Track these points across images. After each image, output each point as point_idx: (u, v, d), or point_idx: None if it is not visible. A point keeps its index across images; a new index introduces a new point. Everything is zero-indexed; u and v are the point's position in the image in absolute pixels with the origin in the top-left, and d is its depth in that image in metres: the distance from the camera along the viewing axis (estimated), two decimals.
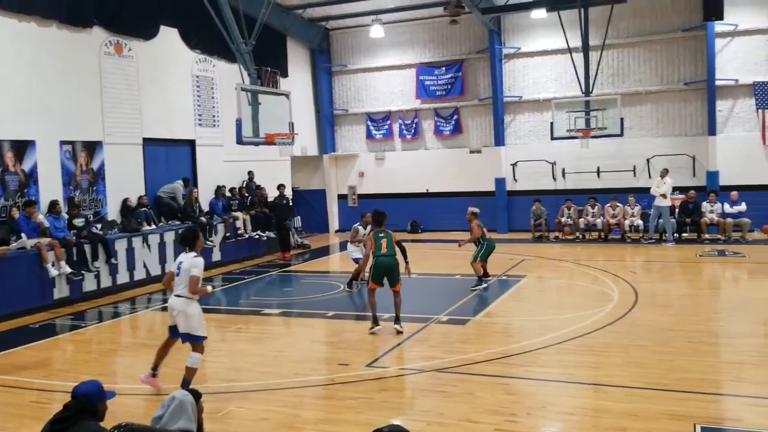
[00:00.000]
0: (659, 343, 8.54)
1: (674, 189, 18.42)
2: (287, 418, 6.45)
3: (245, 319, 11.18)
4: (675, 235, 18.07)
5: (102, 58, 14.63)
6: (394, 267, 9.48)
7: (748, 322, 9.82)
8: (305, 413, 6.68)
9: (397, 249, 9.66)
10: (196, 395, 3.43)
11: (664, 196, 17.90)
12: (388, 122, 23.18)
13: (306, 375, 7.82)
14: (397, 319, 9.44)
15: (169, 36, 16.61)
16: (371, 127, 23.44)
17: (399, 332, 9.28)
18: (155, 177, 15.99)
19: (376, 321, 9.51)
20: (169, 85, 16.60)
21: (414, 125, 22.82)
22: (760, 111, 18.77)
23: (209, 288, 7.63)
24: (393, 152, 23.29)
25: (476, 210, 13.18)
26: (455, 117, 22.31)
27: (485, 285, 12.64)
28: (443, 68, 22.23)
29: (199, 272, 7.17)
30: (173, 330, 7.27)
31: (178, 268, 7.24)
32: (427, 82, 22.51)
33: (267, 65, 15.55)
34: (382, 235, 9.65)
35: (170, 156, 16.69)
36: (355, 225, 13.44)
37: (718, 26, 18.61)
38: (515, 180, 21.62)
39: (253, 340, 9.89)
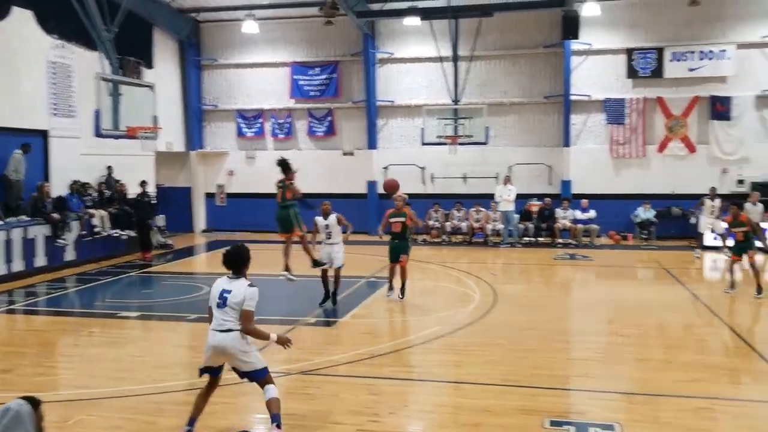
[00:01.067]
0: (514, 341, 9.00)
1: (532, 196, 19.54)
2: (142, 426, 6.17)
3: (100, 322, 10.57)
4: (526, 239, 19.32)
5: None
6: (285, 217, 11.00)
7: (594, 321, 10.58)
8: (163, 420, 6.41)
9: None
10: (35, 403, 3.18)
11: (509, 201, 19.07)
12: (260, 120, 22.82)
13: (165, 381, 7.51)
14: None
15: (22, 18, 15.37)
16: (242, 125, 22.97)
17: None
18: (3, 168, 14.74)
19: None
20: (21, 70, 15.37)
21: (287, 125, 22.62)
22: (609, 125, 20.32)
23: (273, 336, 5.84)
24: (264, 151, 22.93)
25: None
26: (329, 118, 22.35)
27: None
28: (318, 69, 22.21)
29: (254, 307, 5.66)
30: (213, 370, 5.84)
31: (222, 298, 5.65)
32: (301, 82, 22.40)
33: (131, 55, 14.84)
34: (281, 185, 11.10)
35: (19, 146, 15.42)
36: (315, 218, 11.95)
37: (575, 44, 19.93)
38: None
39: (108, 344, 9.36)
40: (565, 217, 19.38)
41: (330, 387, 7.16)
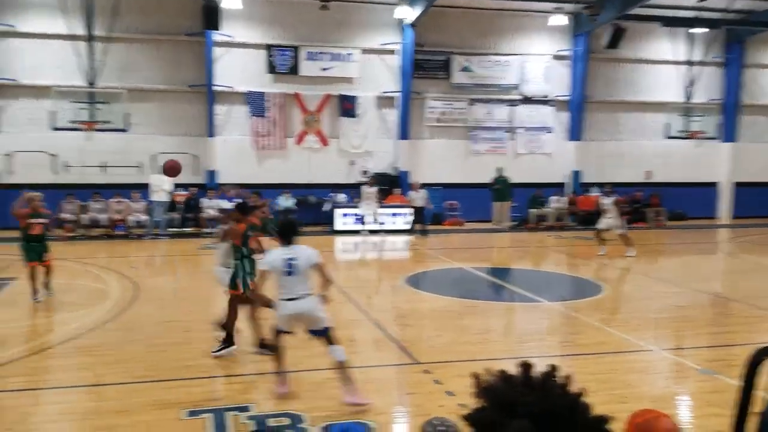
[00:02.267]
0: (154, 336, 8.88)
1: (178, 186, 19.32)
2: None
3: None
4: (172, 229, 19.20)
5: None
6: None
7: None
8: None
9: None
10: None
11: (166, 192, 18.73)
12: None
13: None
14: None
15: None
16: None
17: None
18: None
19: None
20: None
21: None
22: (252, 117, 21.10)
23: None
24: None
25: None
26: None
27: None
28: None
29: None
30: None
31: (289, 266, 6.20)
32: None
33: None
34: None
35: None
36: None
37: (217, 35, 20.19)
38: (10, 172, 19.54)
39: None
40: (210, 206, 19.59)
41: None
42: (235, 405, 6.42)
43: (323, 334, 6.46)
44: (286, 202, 20.84)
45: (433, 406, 6.19)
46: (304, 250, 6.41)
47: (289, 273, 6.29)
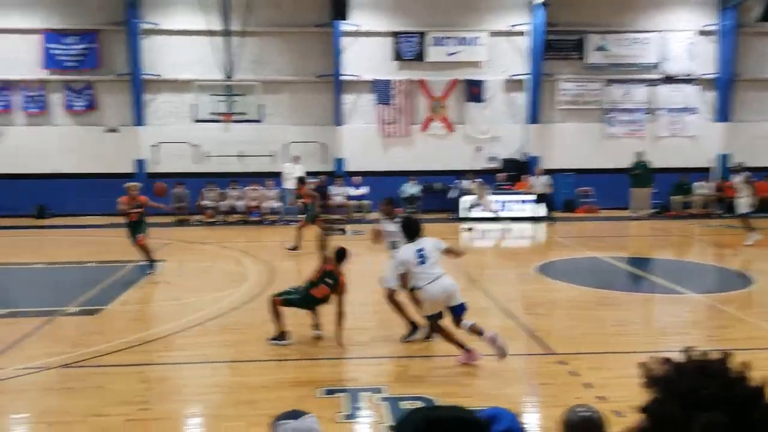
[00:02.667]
0: (289, 316, 9.18)
1: (308, 173, 19.88)
2: None
3: None
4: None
5: None
6: None
7: (369, 291, 11.13)
8: None
9: None
10: None
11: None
12: (8, 93, 20.44)
13: None
14: None
15: None
16: None
17: None
18: None
19: None
20: None
21: (40, 98, 20.53)
22: (377, 105, 21.34)
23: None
24: (14, 127, 20.64)
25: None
26: (89, 92, 20.71)
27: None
28: (75, 37, 20.40)
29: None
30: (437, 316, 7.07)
31: (421, 257, 7.00)
32: (55, 51, 20.42)
33: None
34: None
35: None
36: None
37: (344, 25, 20.56)
38: (157, 162, 20.98)
39: None
40: (338, 193, 20.05)
41: (94, 378, 6.77)
42: (369, 386, 6.53)
43: (462, 311, 6.98)
44: (411, 189, 20.93)
45: (569, 397, 5.96)
46: (428, 240, 7.21)
47: (422, 262, 6.99)
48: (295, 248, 14.30)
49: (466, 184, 19.84)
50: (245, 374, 6.99)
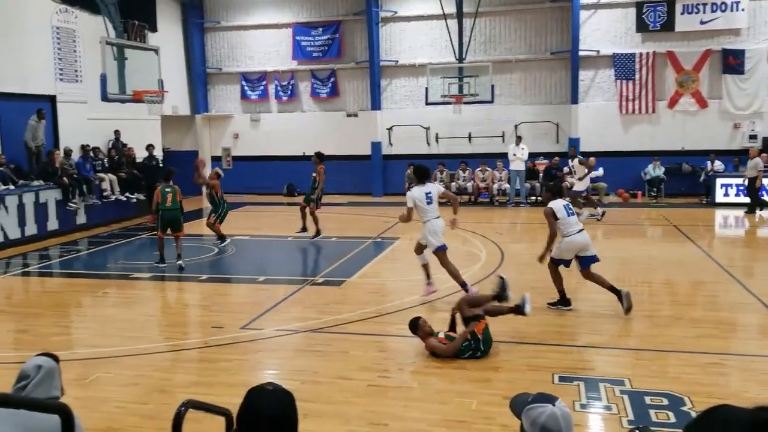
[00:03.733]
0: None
1: (539, 154, 19.44)
2: (158, 382, 6.30)
3: (113, 283, 10.72)
4: (533, 198, 19.23)
5: None
6: (177, 218, 11.43)
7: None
8: (177, 377, 6.54)
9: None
10: (57, 360, 3.26)
11: (521, 160, 18.90)
12: (264, 83, 22.68)
13: (178, 339, 7.64)
14: (179, 257, 11.34)
15: None
16: (246, 88, 22.84)
17: (182, 268, 11.09)
18: (13, 134, 14.82)
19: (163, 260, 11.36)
20: (26, 36, 15.27)
21: (290, 87, 22.47)
22: (618, 81, 20.08)
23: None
24: (269, 114, 22.87)
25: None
26: (332, 79, 22.18)
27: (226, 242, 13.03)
28: (320, 29, 21.97)
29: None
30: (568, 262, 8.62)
31: (429, 198, 8.81)
32: (303, 43, 22.17)
33: (134, 18, 14.67)
34: (169, 190, 11.36)
35: (28, 112, 15.43)
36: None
37: None
38: (391, 144, 21.90)
39: (121, 305, 9.49)
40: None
41: (339, 344, 7.26)
42: (608, 377, 6.18)
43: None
44: (655, 170, 19.45)
45: None
46: (434, 186, 9.17)
47: (428, 203, 8.87)
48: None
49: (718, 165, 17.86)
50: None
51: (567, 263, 8.50)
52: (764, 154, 17.39)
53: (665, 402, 5.62)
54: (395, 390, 6.04)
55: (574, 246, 8.34)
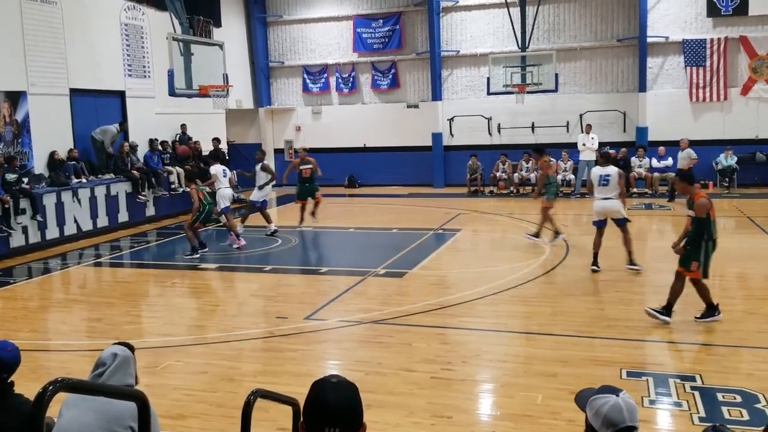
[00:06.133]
0: (588, 293, 8.89)
1: (605, 144, 18.92)
2: (226, 370, 6.46)
3: (181, 273, 11.03)
4: None
5: (23, 3, 13.81)
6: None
7: (671, 272, 10.27)
8: (244, 366, 6.70)
9: None
10: (132, 349, 3.39)
11: (592, 150, 18.41)
12: (325, 75, 22.86)
13: (244, 329, 7.81)
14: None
15: None
16: (308, 81, 23.08)
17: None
18: (84, 129, 15.42)
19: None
20: (96, 33, 15.85)
21: (351, 79, 22.58)
22: (688, 68, 19.37)
23: None
24: (330, 106, 23.05)
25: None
26: (393, 71, 22.17)
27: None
28: (381, 21, 21.97)
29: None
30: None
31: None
32: (364, 35, 22.23)
33: (199, 14, 15.06)
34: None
35: (99, 107, 16.05)
36: None
37: None
38: (452, 135, 21.76)
39: (189, 294, 9.79)
40: (640, 165, 18.75)
41: (402, 336, 7.28)
42: (679, 373, 6.01)
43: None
44: (727, 160, 18.70)
45: None
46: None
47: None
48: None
49: None
50: (540, 346, 6.92)
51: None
52: None
53: (738, 399, 5.45)
54: (459, 383, 6.03)
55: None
